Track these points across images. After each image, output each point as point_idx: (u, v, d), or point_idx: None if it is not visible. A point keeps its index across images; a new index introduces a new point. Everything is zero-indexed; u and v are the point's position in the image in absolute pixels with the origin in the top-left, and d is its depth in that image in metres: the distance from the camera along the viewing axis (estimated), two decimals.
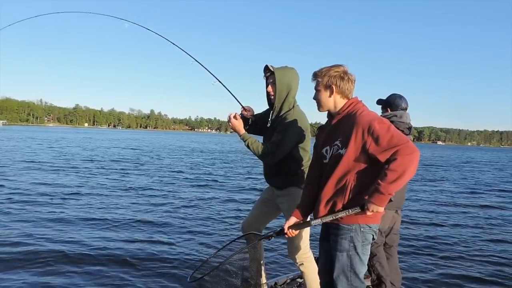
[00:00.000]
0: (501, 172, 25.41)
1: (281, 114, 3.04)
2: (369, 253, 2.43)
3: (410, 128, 3.54)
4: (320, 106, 2.46)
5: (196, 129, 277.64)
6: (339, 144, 2.32)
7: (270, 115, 3.12)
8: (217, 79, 3.36)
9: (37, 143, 32.25)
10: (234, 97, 3.33)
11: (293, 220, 2.55)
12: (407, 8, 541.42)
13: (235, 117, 3.09)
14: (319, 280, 2.74)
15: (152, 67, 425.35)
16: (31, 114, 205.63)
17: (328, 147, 2.40)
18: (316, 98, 2.46)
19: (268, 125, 3.12)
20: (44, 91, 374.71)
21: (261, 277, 3.47)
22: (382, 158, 2.17)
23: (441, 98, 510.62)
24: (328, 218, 2.34)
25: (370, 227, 2.36)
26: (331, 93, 2.38)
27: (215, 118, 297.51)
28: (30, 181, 11.15)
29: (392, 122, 3.49)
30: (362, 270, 2.39)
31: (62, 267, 4.64)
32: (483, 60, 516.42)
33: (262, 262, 3.45)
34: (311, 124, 3.11)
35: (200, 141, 66.00)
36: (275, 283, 3.79)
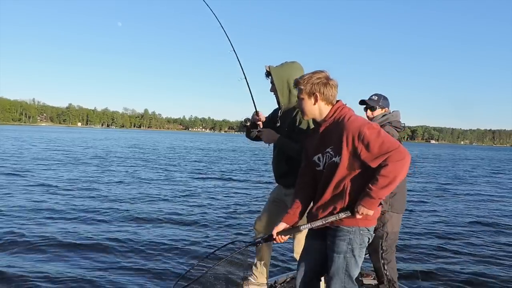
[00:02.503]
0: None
1: (290, 110, 2.97)
2: (363, 256, 2.43)
3: (403, 125, 3.64)
4: (304, 114, 2.44)
5: (190, 129, 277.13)
6: (331, 152, 2.30)
7: (279, 114, 3.05)
8: (245, 77, 3.25)
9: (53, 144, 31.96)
10: (253, 99, 3.21)
11: (282, 225, 2.50)
12: (400, 7, 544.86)
13: (260, 130, 3.04)
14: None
15: (146, 66, 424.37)
16: (23, 114, 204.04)
17: (320, 155, 2.38)
18: (300, 106, 2.43)
19: (278, 124, 3.04)
20: (37, 90, 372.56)
21: (262, 276, 3.45)
22: (374, 164, 2.18)
23: (434, 97, 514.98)
24: (318, 223, 2.35)
25: (368, 230, 2.38)
26: (316, 100, 2.35)
27: (209, 117, 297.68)
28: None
29: (389, 122, 3.54)
30: (356, 273, 2.39)
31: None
32: (477, 59, 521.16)
33: (265, 262, 3.44)
34: None
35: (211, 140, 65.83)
36: (275, 282, 3.75)
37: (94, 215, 7.27)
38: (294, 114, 2.93)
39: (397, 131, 3.56)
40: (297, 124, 2.91)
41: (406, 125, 3.69)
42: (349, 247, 2.32)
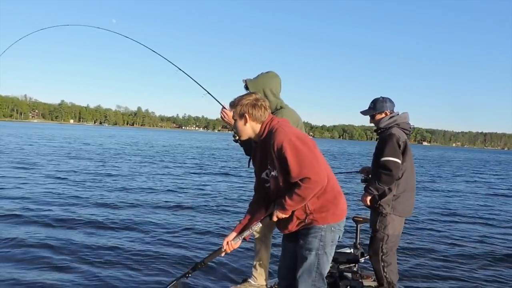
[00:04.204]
0: None
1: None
2: (333, 253, 2.50)
3: (412, 127, 3.64)
4: (240, 135, 2.55)
5: (183, 127, 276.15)
6: (269, 167, 2.40)
7: None
8: (207, 91, 3.37)
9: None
10: (219, 102, 3.27)
11: (232, 235, 2.55)
12: (393, 10, 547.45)
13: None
14: None
15: (139, 64, 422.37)
16: (15, 110, 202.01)
17: (268, 171, 2.45)
18: (234, 127, 2.56)
19: None
20: (29, 87, 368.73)
21: (262, 277, 3.45)
22: (291, 180, 2.28)
23: (427, 99, 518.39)
24: (246, 233, 2.50)
25: (339, 225, 2.46)
26: (246, 121, 2.45)
27: (203, 116, 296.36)
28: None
29: (397, 124, 3.52)
30: (326, 271, 2.48)
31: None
32: (469, 63, 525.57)
33: (264, 263, 3.46)
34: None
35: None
36: (275, 283, 3.72)
37: (77, 212, 7.21)
38: None
39: (406, 133, 3.55)
40: None
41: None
42: (321, 244, 2.41)
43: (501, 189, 16.33)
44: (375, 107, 3.65)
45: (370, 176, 3.65)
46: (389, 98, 3.68)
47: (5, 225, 6.08)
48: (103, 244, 5.45)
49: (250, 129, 2.47)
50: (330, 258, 2.48)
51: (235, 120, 2.51)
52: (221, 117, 3.16)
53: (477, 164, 38.02)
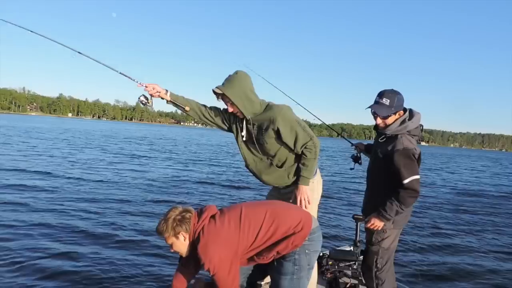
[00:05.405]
0: None
1: (258, 115, 2.91)
2: (311, 277, 2.35)
3: (421, 129, 3.15)
4: (183, 254, 2.37)
5: (182, 123, 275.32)
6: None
7: (246, 124, 2.98)
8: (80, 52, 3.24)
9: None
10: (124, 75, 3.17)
11: None
12: (392, 6, 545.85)
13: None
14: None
15: (139, 58, 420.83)
16: (13, 102, 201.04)
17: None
18: (175, 250, 2.37)
19: (255, 132, 2.97)
20: (27, 79, 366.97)
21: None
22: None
23: (425, 99, 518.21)
24: None
25: (313, 246, 2.31)
26: (184, 238, 2.30)
27: None
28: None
29: (408, 131, 2.99)
30: None
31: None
32: (469, 63, 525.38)
33: None
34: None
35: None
36: None
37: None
38: (263, 117, 2.89)
39: (416, 139, 3.05)
40: (275, 130, 2.86)
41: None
42: (296, 268, 2.25)
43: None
44: (394, 105, 2.92)
45: (360, 155, 3.62)
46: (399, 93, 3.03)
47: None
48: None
49: (187, 244, 2.29)
50: (307, 282, 2.32)
51: (172, 244, 2.29)
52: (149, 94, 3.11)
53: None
